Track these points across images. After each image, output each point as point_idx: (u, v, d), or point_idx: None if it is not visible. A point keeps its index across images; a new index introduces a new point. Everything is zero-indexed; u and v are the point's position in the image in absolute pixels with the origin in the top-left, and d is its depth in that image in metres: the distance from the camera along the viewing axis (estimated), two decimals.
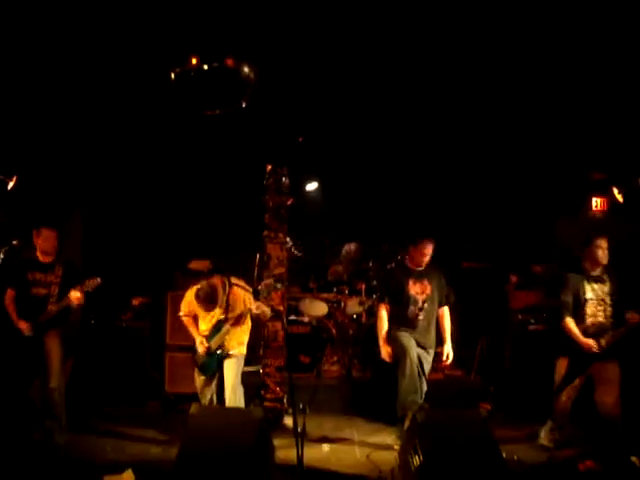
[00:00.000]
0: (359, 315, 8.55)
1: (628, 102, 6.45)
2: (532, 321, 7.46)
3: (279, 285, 6.37)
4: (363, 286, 8.67)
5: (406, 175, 9.17)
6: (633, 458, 5.17)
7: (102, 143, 7.73)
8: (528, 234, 8.86)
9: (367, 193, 9.44)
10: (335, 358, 8.42)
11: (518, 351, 7.41)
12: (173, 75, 5.62)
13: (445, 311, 6.22)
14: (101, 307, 7.38)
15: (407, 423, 5.46)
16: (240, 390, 5.79)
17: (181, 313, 5.97)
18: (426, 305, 6.02)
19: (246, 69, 5.66)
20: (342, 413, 6.95)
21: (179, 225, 9.03)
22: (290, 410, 6.42)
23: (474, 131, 7.74)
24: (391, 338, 6.01)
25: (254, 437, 4.50)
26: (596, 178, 8.59)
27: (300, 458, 4.74)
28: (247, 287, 5.92)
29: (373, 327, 6.23)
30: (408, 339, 5.93)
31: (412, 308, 6.00)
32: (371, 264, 8.88)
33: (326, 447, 5.92)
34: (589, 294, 5.50)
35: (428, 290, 6.05)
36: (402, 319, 6.02)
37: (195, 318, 5.93)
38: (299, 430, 4.95)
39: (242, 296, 5.77)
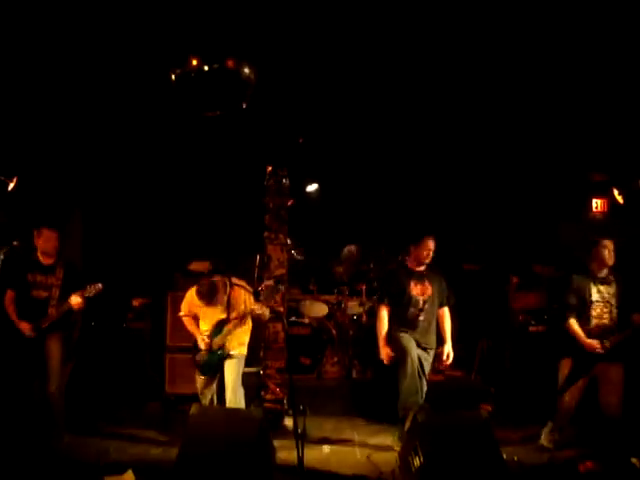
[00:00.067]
0: (359, 316, 8.55)
1: (628, 103, 6.45)
2: (533, 322, 7.45)
3: (281, 287, 6.37)
4: (364, 287, 8.66)
5: (407, 177, 9.17)
6: (633, 460, 5.16)
7: (103, 144, 7.73)
8: (528, 235, 8.86)
9: (367, 195, 9.43)
10: (335, 359, 8.41)
11: (518, 352, 7.40)
12: (173, 76, 5.62)
13: (445, 312, 6.21)
14: (101, 308, 7.38)
15: (408, 424, 5.46)
16: (241, 391, 5.79)
17: (181, 313, 5.98)
18: (427, 306, 6.02)
19: (246, 70, 5.66)
20: (342, 414, 6.96)
21: (179, 226, 9.02)
22: (290, 411, 6.41)
23: (475, 133, 7.74)
24: (391, 339, 6.01)
25: (254, 438, 4.50)
26: (596, 179, 8.59)
27: (300, 459, 4.74)
28: (248, 287, 5.93)
29: (373, 328, 6.22)
30: (408, 340, 5.93)
31: (413, 309, 5.99)
32: (372, 265, 8.88)
33: (326, 448, 5.92)
34: (595, 296, 5.49)
35: (429, 291, 6.04)
36: (403, 320, 6.01)
37: (195, 319, 5.93)
38: (299, 431, 4.95)
39: (243, 296, 5.77)
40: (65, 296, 5.76)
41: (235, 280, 5.84)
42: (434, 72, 6.34)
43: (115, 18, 5.35)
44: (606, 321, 5.45)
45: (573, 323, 5.49)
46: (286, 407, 6.67)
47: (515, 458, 5.39)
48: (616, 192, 8.07)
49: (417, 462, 4.52)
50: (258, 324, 6.26)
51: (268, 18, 5.47)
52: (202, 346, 5.75)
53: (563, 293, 5.67)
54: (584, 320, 5.47)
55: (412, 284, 6.02)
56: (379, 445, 5.96)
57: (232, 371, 5.73)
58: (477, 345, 8.10)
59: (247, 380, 6.17)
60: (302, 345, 8.13)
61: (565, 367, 5.57)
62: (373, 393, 7.13)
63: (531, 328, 7.43)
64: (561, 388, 5.55)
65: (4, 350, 5.81)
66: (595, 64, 5.90)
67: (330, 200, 9.42)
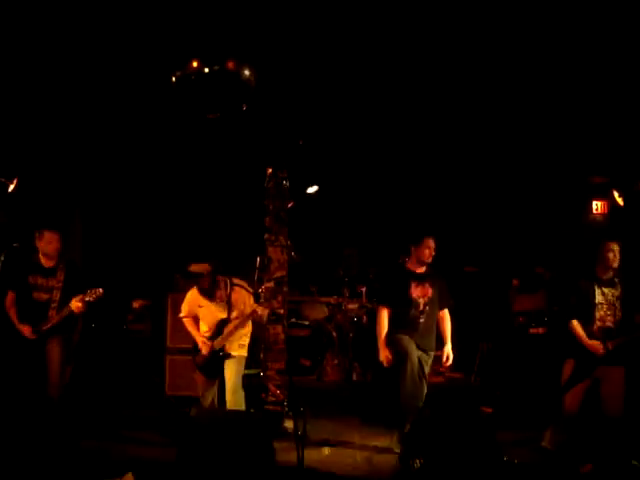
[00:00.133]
0: (359, 318, 8.55)
1: (628, 105, 6.45)
2: (533, 324, 7.46)
3: (285, 288, 6.39)
4: (364, 289, 8.67)
5: (408, 179, 9.18)
6: (634, 462, 5.16)
7: (103, 145, 7.74)
8: (529, 237, 8.86)
9: (367, 196, 9.44)
10: (335, 361, 8.42)
11: (519, 354, 7.40)
12: (174, 78, 5.62)
13: (446, 314, 6.21)
14: (101, 310, 7.38)
15: (408, 426, 5.45)
16: (241, 393, 5.78)
17: (182, 314, 5.96)
18: (427, 308, 6.01)
19: (247, 72, 5.67)
20: (343, 416, 6.95)
21: (179, 227, 9.03)
22: (291, 413, 6.41)
23: (475, 136, 7.75)
24: (391, 341, 6.00)
25: (254, 440, 4.50)
26: (597, 181, 8.59)
27: (300, 461, 4.74)
28: (248, 288, 5.92)
29: (374, 330, 6.22)
30: (408, 342, 5.92)
31: (413, 311, 5.99)
32: (372, 267, 8.89)
33: (326, 450, 5.92)
34: (598, 298, 5.48)
35: (429, 293, 6.04)
36: (403, 322, 6.01)
37: (196, 320, 5.92)
38: (299, 433, 4.95)
39: (243, 297, 5.77)
40: (66, 298, 5.74)
41: (236, 280, 5.84)
42: (434, 75, 6.35)
43: (116, 20, 5.36)
44: (609, 323, 5.44)
45: (576, 325, 5.48)
46: (286, 409, 6.66)
47: (515, 461, 5.38)
48: (616, 194, 8.07)
49: (417, 464, 4.51)
50: (258, 326, 6.25)
51: (268, 20, 5.48)
52: (204, 351, 5.74)
53: (565, 295, 5.66)
54: (587, 322, 5.46)
55: (413, 286, 6.01)
56: (379, 447, 5.96)
57: (232, 373, 5.73)
58: (477, 347, 8.11)
59: (247, 382, 6.17)
60: (302, 347, 8.14)
61: (567, 369, 5.56)
62: (373, 395, 7.13)
63: (531, 330, 7.43)
64: (563, 390, 5.54)
65: (4, 352, 5.80)
66: (595, 67, 5.91)
67: (330, 202, 9.43)
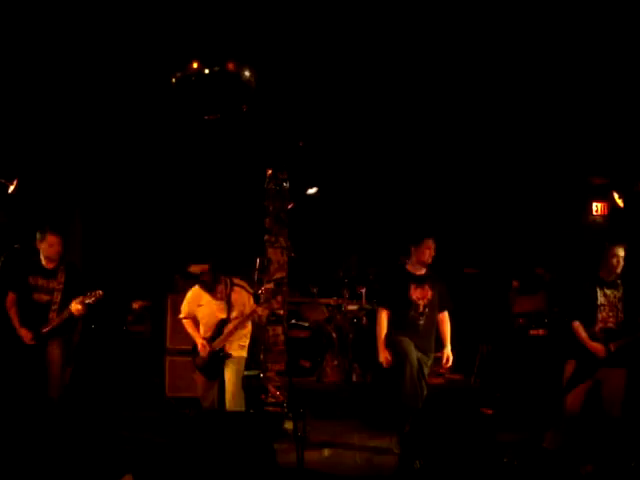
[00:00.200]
0: (359, 319, 8.55)
1: (628, 106, 6.46)
2: (533, 326, 7.45)
3: (286, 288, 6.39)
4: (364, 290, 8.66)
5: (408, 181, 9.18)
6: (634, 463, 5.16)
7: (103, 146, 7.74)
8: (529, 239, 8.86)
9: (368, 197, 9.44)
10: (335, 362, 8.41)
11: (519, 356, 7.40)
12: (174, 79, 5.63)
13: (445, 316, 6.21)
14: (101, 311, 7.38)
15: (408, 427, 5.45)
16: (241, 394, 5.77)
17: (181, 315, 5.95)
18: (427, 310, 6.01)
19: (247, 73, 5.68)
20: (342, 417, 6.95)
21: (179, 228, 9.03)
22: (290, 414, 6.41)
23: (475, 137, 7.75)
24: (391, 342, 6.00)
25: (254, 441, 4.50)
26: (597, 183, 8.60)
27: (300, 462, 4.74)
28: (249, 289, 5.92)
29: (374, 331, 6.22)
30: (408, 343, 5.92)
31: (413, 313, 5.99)
32: (372, 268, 8.88)
33: (326, 451, 5.92)
34: (600, 299, 5.48)
35: (429, 295, 6.04)
36: (402, 324, 6.01)
37: (195, 321, 5.92)
38: (299, 434, 4.95)
39: (244, 297, 5.77)
40: (67, 300, 5.74)
41: (236, 281, 5.84)
42: (434, 76, 6.36)
43: (116, 21, 5.37)
44: (611, 325, 5.44)
45: (578, 326, 5.48)
46: (286, 410, 6.66)
47: (515, 462, 5.38)
48: (616, 196, 8.07)
49: (417, 465, 4.51)
50: (258, 327, 6.25)
51: (269, 22, 5.48)
52: (203, 353, 5.73)
53: (567, 296, 5.66)
54: (589, 323, 5.46)
55: (412, 288, 6.01)
56: (379, 448, 5.95)
57: (232, 374, 5.72)
58: (477, 349, 8.10)
59: (247, 383, 6.17)
60: (302, 348, 8.13)
61: (569, 370, 5.56)
62: (373, 396, 7.12)
63: (531, 331, 7.43)
64: (564, 391, 5.54)
65: (4, 353, 5.79)
66: (595, 68, 5.91)
67: (330, 203, 9.43)
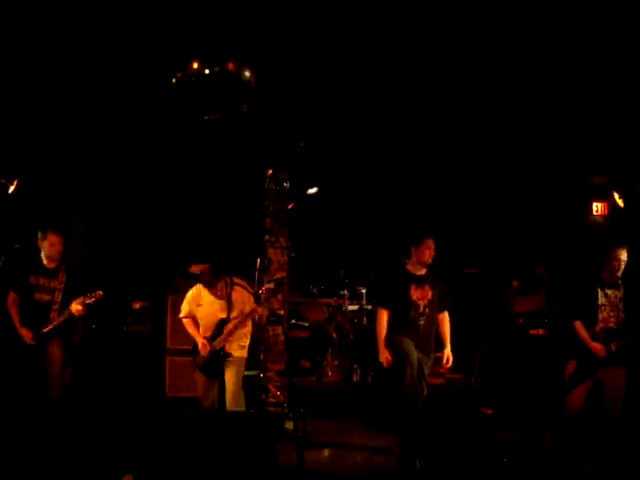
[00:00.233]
0: (360, 319, 8.55)
1: (628, 106, 6.45)
2: (533, 325, 7.45)
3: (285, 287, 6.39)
4: (364, 290, 8.66)
5: (408, 181, 9.18)
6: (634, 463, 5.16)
7: (104, 147, 7.74)
8: (529, 238, 8.86)
9: (368, 198, 9.44)
10: (336, 362, 8.42)
11: (519, 355, 7.40)
12: (174, 79, 5.63)
13: (445, 316, 6.21)
14: (102, 311, 7.38)
15: (408, 427, 5.45)
16: (241, 394, 5.77)
17: (181, 315, 5.95)
18: (427, 310, 6.01)
19: (247, 73, 5.68)
20: (343, 417, 6.95)
21: (180, 228, 9.03)
22: (291, 414, 6.41)
23: (475, 136, 7.75)
24: (391, 342, 6.01)
25: (255, 441, 4.50)
26: (597, 182, 8.59)
27: (301, 462, 4.74)
28: (249, 288, 5.92)
29: (374, 331, 6.23)
30: (408, 344, 5.92)
31: (413, 313, 5.99)
32: (372, 268, 8.88)
33: (327, 451, 5.92)
34: (601, 299, 5.48)
35: (429, 295, 6.04)
36: (403, 324, 6.01)
37: (195, 321, 5.91)
38: (300, 434, 4.95)
39: (244, 296, 5.77)
40: (68, 300, 5.74)
41: (236, 280, 5.84)
42: (434, 76, 6.35)
43: (117, 21, 5.37)
44: (612, 325, 5.44)
45: (579, 326, 5.48)
46: (286, 410, 6.66)
47: (515, 462, 5.38)
48: (616, 195, 8.06)
49: (417, 465, 4.51)
50: (258, 327, 6.25)
51: (269, 22, 5.48)
52: (203, 352, 5.73)
53: (568, 296, 5.66)
54: (590, 323, 5.46)
55: (412, 288, 6.01)
56: (379, 448, 5.95)
57: (233, 374, 5.72)
58: (478, 348, 8.10)
59: (247, 383, 6.17)
60: (302, 348, 8.13)
61: (570, 370, 5.56)
62: (373, 396, 7.12)
63: (531, 331, 7.43)
64: (565, 390, 5.54)
65: (5, 353, 5.79)
66: (595, 67, 5.91)
67: (331, 203, 9.43)
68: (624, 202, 8.01)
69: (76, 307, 5.68)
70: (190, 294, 5.90)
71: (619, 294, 5.47)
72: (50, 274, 5.84)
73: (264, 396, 6.72)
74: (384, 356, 5.99)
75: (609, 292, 5.48)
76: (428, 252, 5.96)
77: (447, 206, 9.28)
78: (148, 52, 5.80)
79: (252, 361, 6.87)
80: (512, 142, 7.77)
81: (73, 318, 5.77)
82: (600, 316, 5.45)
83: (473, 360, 8.09)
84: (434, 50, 5.89)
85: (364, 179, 9.12)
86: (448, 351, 6.06)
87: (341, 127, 7.46)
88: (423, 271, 6.06)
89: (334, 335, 8.45)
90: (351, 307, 8.65)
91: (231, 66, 5.66)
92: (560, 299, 7.37)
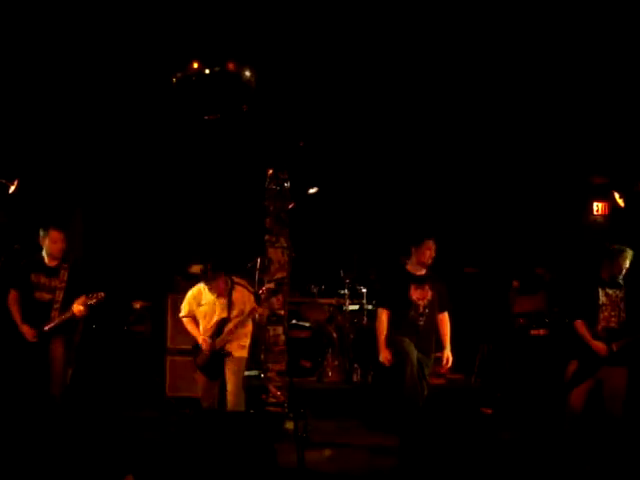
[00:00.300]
0: (360, 319, 8.55)
1: (629, 106, 6.45)
2: (533, 325, 7.45)
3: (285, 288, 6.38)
4: (364, 290, 8.66)
5: (408, 180, 9.18)
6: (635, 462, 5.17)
7: (104, 147, 7.75)
8: (529, 238, 8.86)
9: (368, 197, 9.44)
10: (336, 363, 8.41)
11: (519, 355, 7.40)
12: (175, 79, 5.63)
13: (445, 316, 6.21)
14: (102, 311, 7.37)
15: (408, 427, 5.45)
16: (242, 394, 5.77)
17: (181, 314, 5.96)
18: (427, 310, 6.01)
19: (247, 73, 5.68)
20: (343, 417, 6.94)
21: (180, 228, 9.03)
22: (291, 414, 6.41)
23: (476, 136, 7.75)
24: (391, 342, 6.01)
25: (255, 441, 4.50)
26: (597, 182, 8.59)
27: (301, 462, 4.74)
28: (249, 288, 5.93)
29: (374, 331, 6.23)
30: (408, 344, 5.93)
31: (413, 313, 5.99)
32: (373, 268, 8.88)
33: (327, 451, 5.92)
34: (602, 299, 5.48)
35: (429, 295, 6.04)
36: (403, 324, 6.01)
37: (195, 320, 5.91)
38: (300, 434, 4.95)
39: (245, 296, 5.77)
40: (70, 299, 5.73)
41: (237, 279, 5.84)
42: (434, 77, 6.36)
43: (117, 21, 5.37)
44: (613, 324, 5.44)
45: (580, 325, 5.49)
46: (287, 410, 6.66)
47: (515, 462, 5.38)
48: (617, 195, 8.06)
49: (418, 465, 4.51)
50: (258, 327, 6.25)
51: (269, 22, 5.48)
52: (203, 347, 5.73)
53: (569, 296, 5.66)
54: (591, 323, 5.46)
55: (412, 288, 6.02)
56: (379, 448, 5.95)
57: (233, 374, 5.72)
58: (478, 348, 8.10)
59: (248, 383, 6.17)
60: (303, 348, 8.12)
61: (571, 370, 5.56)
62: (373, 396, 7.12)
63: (532, 331, 7.42)
64: (566, 389, 5.54)
65: (6, 352, 5.78)
66: (595, 67, 5.91)
67: (331, 203, 9.42)
68: (625, 202, 8.01)
69: (78, 308, 5.67)
70: (191, 293, 5.90)
71: (620, 294, 5.47)
72: (51, 273, 5.83)
73: (264, 396, 6.71)
74: (384, 355, 5.99)
75: (610, 292, 5.49)
76: (428, 253, 5.96)
77: (447, 205, 9.28)
78: (148, 52, 5.81)
79: (252, 361, 6.87)
80: (512, 142, 7.77)
81: (74, 318, 5.77)
82: (601, 315, 5.45)
83: (473, 360, 8.09)
84: (434, 50, 5.89)
85: (364, 179, 9.12)
86: (448, 352, 6.06)
87: (341, 127, 7.46)
88: (423, 271, 6.06)
89: (334, 335, 8.44)
90: (351, 307, 8.64)
91: (231, 66, 5.66)
92: (561, 299, 7.37)
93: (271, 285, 6.17)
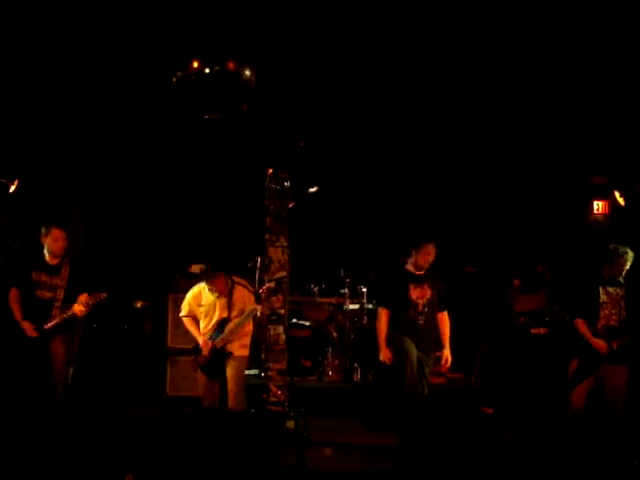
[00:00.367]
0: (360, 318, 8.55)
1: (629, 105, 6.45)
2: (534, 324, 7.45)
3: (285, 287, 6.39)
4: (365, 290, 8.66)
5: (408, 180, 9.18)
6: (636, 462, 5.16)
7: (104, 146, 7.75)
8: (530, 237, 8.86)
9: (368, 197, 9.44)
10: (336, 362, 8.42)
11: (520, 354, 7.40)
12: (175, 78, 5.63)
13: (445, 316, 6.21)
14: (102, 310, 7.37)
15: (408, 426, 5.45)
16: (243, 393, 5.78)
17: (182, 313, 5.96)
18: (426, 309, 6.02)
19: (247, 72, 5.68)
20: (343, 416, 6.95)
21: (180, 228, 9.03)
22: (292, 413, 6.41)
23: (476, 136, 7.75)
24: (391, 342, 6.01)
25: (256, 440, 4.50)
26: (597, 182, 8.59)
27: (302, 461, 4.74)
28: (249, 287, 5.93)
29: (374, 331, 6.24)
30: (409, 343, 5.93)
31: (412, 312, 6.00)
32: (373, 268, 8.88)
33: (327, 451, 5.92)
34: (603, 297, 5.48)
35: (428, 294, 6.05)
36: (402, 323, 6.02)
37: (196, 320, 5.91)
38: (301, 433, 4.95)
39: (245, 295, 5.77)
40: (71, 297, 5.72)
41: (237, 279, 5.84)
42: (434, 77, 6.36)
43: (117, 21, 5.37)
44: (614, 322, 5.44)
45: (580, 323, 5.49)
46: (287, 409, 6.66)
47: (516, 461, 5.38)
48: (617, 194, 8.06)
49: (418, 465, 4.52)
50: (259, 326, 6.26)
51: (269, 21, 5.48)
52: (205, 351, 5.73)
53: (569, 294, 5.67)
54: (591, 321, 5.46)
55: (411, 287, 6.02)
56: (379, 448, 5.95)
57: (234, 373, 5.73)
58: (478, 347, 8.10)
59: (248, 382, 6.17)
60: (303, 347, 8.12)
61: (573, 368, 5.56)
62: (374, 395, 7.13)
63: (532, 330, 7.42)
64: (567, 388, 5.54)
65: (8, 351, 5.78)
66: (595, 67, 5.91)
67: (331, 202, 9.42)
68: (625, 201, 8.01)
69: (79, 307, 5.67)
70: (191, 293, 5.91)
71: (620, 292, 5.48)
72: (52, 271, 5.82)
73: (265, 395, 6.72)
74: (385, 354, 5.99)
75: (610, 290, 5.49)
76: (427, 258, 5.98)
77: (447, 205, 9.28)
78: (149, 51, 5.80)
79: (253, 360, 6.88)
80: (513, 142, 7.77)
81: (75, 317, 5.76)
82: (602, 314, 5.45)
83: (474, 359, 8.10)
84: (434, 50, 5.89)
85: (364, 178, 9.12)
86: (447, 351, 6.06)
87: (341, 127, 7.46)
88: (422, 271, 6.07)
89: (335, 334, 8.45)
90: (352, 306, 8.64)
91: (231, 65, 5.66)
92: (561, 297, 7.37)
93: (271, 284, 6.17)
